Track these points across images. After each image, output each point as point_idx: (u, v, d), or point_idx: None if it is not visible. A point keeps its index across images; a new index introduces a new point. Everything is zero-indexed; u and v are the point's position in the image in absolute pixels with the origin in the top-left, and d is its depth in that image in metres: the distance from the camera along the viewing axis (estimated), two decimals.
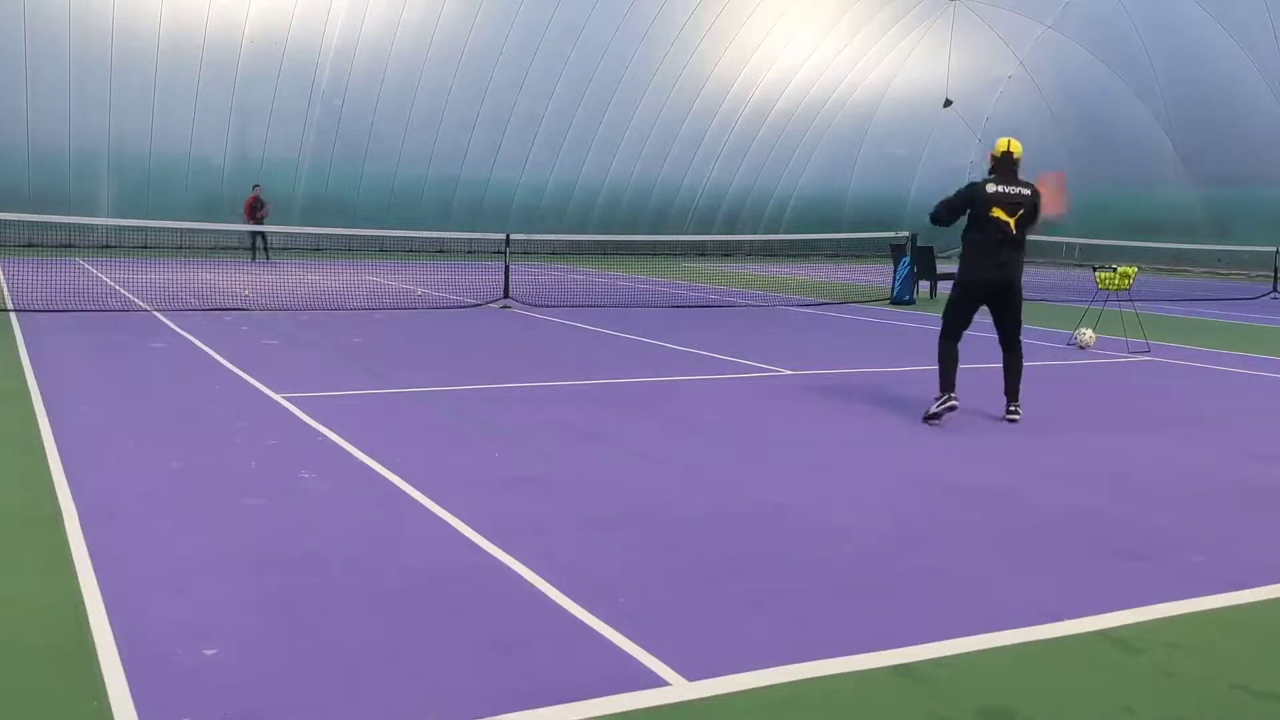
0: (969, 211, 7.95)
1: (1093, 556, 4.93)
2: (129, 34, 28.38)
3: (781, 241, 38.67)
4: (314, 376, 9.42)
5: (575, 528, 5.15)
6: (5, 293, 15.79)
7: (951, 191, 8.21)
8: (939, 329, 8.30)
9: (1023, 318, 8.27)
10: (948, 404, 7.82)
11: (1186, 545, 5.16)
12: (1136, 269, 13.94)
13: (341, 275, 22.66)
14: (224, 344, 11.19)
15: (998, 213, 7.82)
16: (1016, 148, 7.97)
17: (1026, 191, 7.88)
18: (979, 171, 41.48)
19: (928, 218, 8.16)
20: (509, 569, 4.52)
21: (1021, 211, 7.84)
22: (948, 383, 7.90)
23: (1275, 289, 24.47)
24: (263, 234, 26.47)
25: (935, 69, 36.59)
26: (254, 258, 26.15)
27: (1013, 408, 8.08)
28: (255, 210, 26.32)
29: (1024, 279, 8.19)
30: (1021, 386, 8.25)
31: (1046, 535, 5.26)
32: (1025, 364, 8.33)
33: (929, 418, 7.83)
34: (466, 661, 3.60)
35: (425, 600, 4.15)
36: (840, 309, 17.92)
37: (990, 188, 7.87)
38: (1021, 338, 8.29)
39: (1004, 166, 7.95)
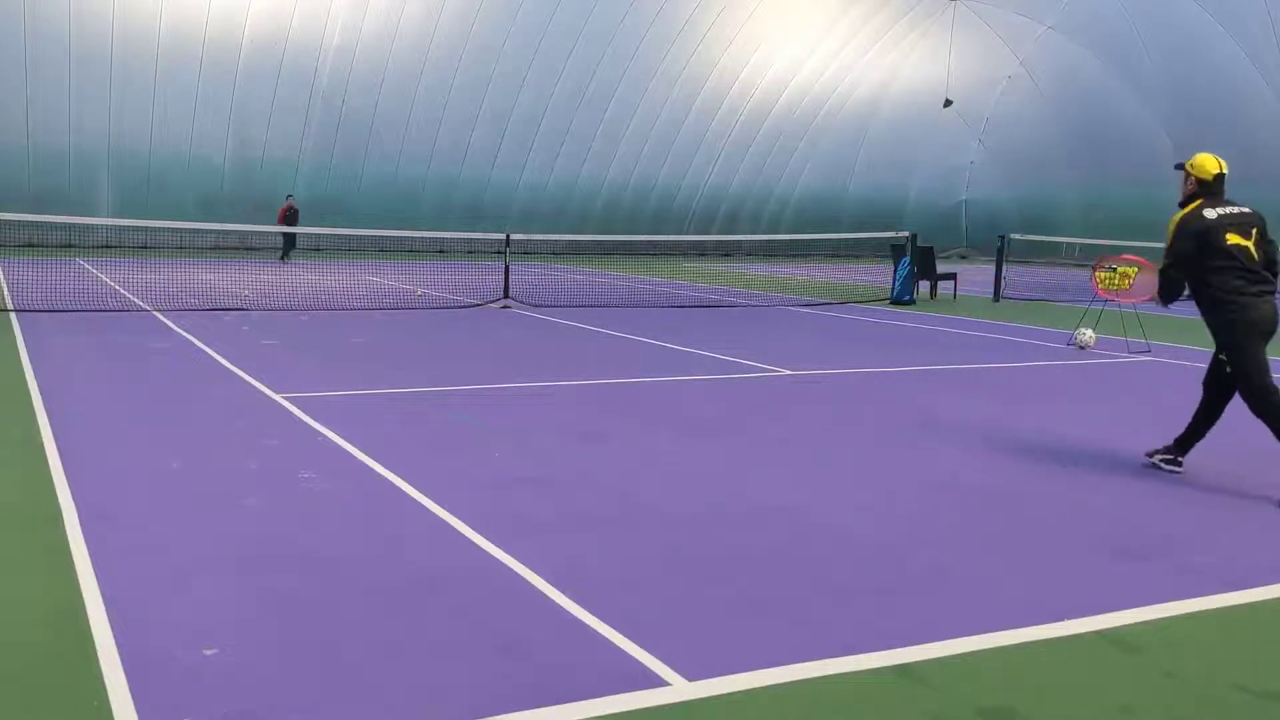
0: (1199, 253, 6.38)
1: (1093, 556, 4.93)
2: (129, 34, 28.38)
3: (781, 241, 38.66)
4: (314, 376, 9.42)
5: (575, 528, 5.15)
6: (5, 293, 15.79)
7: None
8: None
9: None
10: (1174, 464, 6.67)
11: (1186, 545, 5.16)
12: (1137, 269, 13.95)
13: (341, 275, 22.66)
14: (224, 344, 11.19)
15: (1235, 239, 6.34)
16: (1226, 166, 6.59)
17: (1248, 209, 6.49)
18: (979, 171, 41.70)
19: (1162, 295, 6.66)
20: (509, 569, 4.52)
21: (1256, 231, 6.42)
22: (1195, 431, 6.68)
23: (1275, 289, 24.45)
24: (290, 237, 27.31)
25: (935, 69, 36.60)
26: (284, 258, 27.24)
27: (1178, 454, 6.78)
28: (289, 218, 27.53)
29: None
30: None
31: (1047, 535, 5.26)
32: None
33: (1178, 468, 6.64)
34: (466, 661, 3.60)
35: (425, 600, 4.15)
36: (840, 309, 17.92)
37: (1215, 213, 6.38)
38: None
39: (1216, 188, 6.54)
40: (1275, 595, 4.50)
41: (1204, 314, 6.52)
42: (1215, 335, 6.50)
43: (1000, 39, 36.51)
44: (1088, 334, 13.09)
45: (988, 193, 40.74)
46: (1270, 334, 6.42)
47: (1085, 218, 34.68)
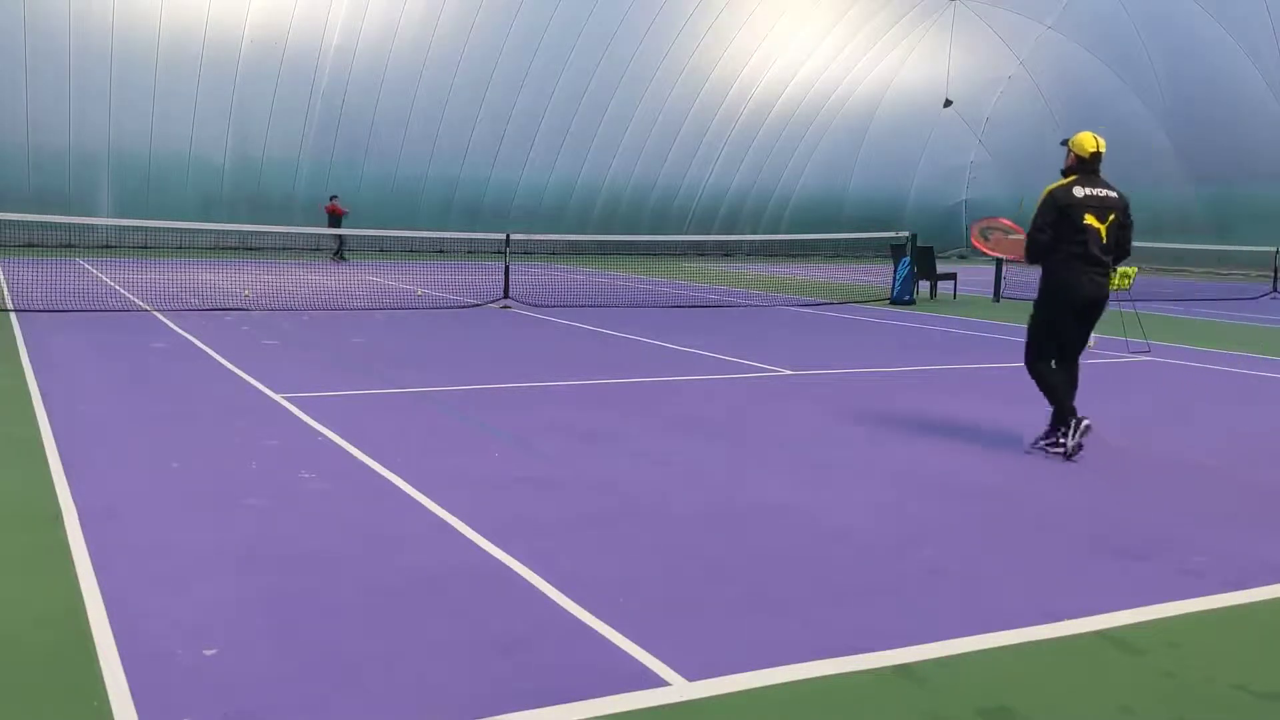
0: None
1: (1093, 556, 4.93)
2: (129, 34, 28.39)
3: (781, 241, 38.67)
4: (314, 376, 9.42)
5: (575, 528, 5.15)
6: (5, 293, 15.79)
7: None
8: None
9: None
10: (1080, 429, 6.82)
11: (1186, 545, 5.15)
12: (1136, 269, 13.95)
13: (341, 275, 22.66)
14: (224, 344, 11.19)
15: (1090, 219, 6.85)
16: (1104, 145, 7.04)
17: (1114, 194, 6.95)
18: (979, 171, 41.70)
19: (1028, 256, 7.13)
20: (509, 569, 4.52)
21: (1113, 216, 6.93)
22: (1063, 408, 6.93)
23: (1275, 289, 24.47)
24: (340, 236, 28.03)
25: (935, 69, 36.61)
26: (342, 258, 28.13)
27: (1084, 418, 6.95)
28: (336, 216, 28.45)
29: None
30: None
31: (1047, 535, 5.26)
32: (1025, 364, 8.28)
33: (1069, 454, 6.80)
34: (466, 661, 3.60)
35: (425, 600, 4.15)
36: (840, 309, 17.92)
37: (1079, 191, 6.87)
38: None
39: (1091, 166, 7.00)
40: (1275, 595, 4.50)
41: (1041, 275, 7.12)
42: (1037, 297, 7.15)
43: (1000, 39, 36.52)
44: None
45: (988, 193, 40.73)
46: (1084, 311, 7.01)
47: None
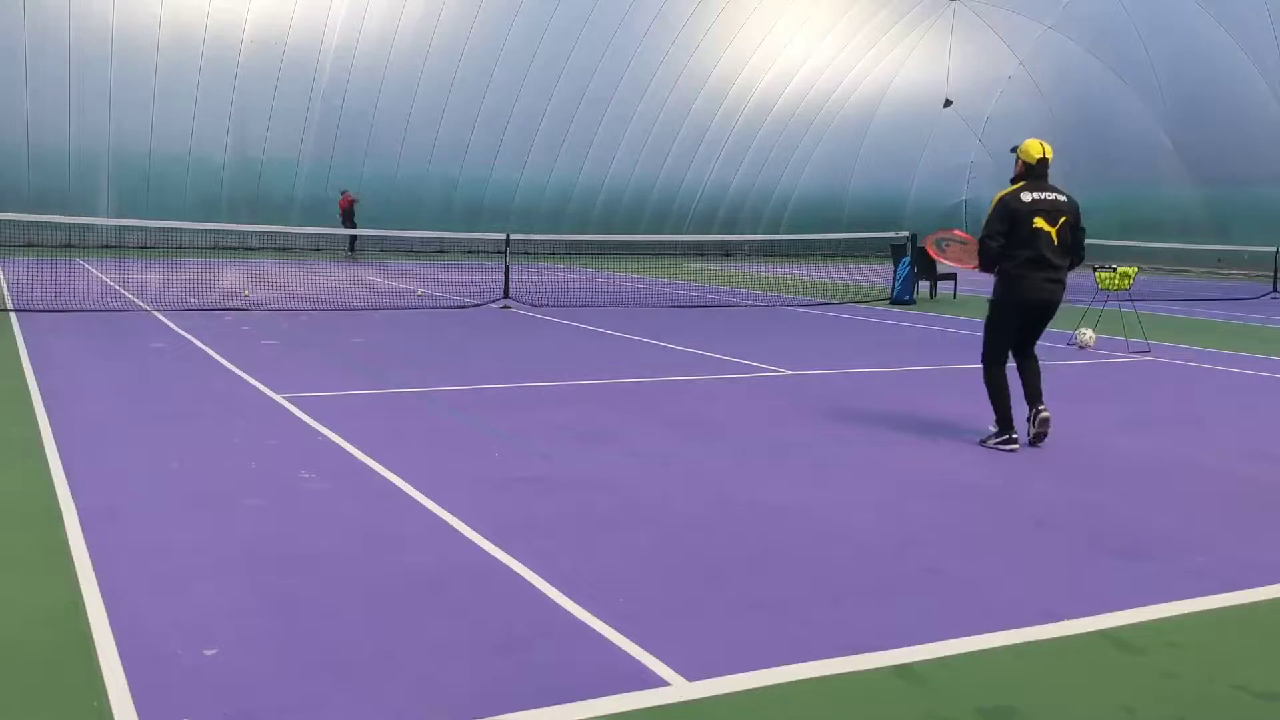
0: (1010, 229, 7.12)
1: (1093, 556, 4.93)
2: (129, 34, 28.37)
3: (781, 241, 38.65)
4: (314, 376, 9.42)
5: (575, 528, 5.15)
6: (5, 293, 15.79)
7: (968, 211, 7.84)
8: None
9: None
10: (1008, 443, 7.11)
11: (1186, 545, 5.16)
12: (1136, 269, 13.95)
13: (341, 275, 22.67)
14: (224, 344, 11.19)
15: (1040, 223, 7.06)
16: (1050, 151, 7.30)
17: (1064, 198, 7.18)
18: (979, 171, 41.68)
19: (980, 264, 7.34)
20: (509, 569, 4.52)
21: (1064, 219, 7.13)
22: (1005, 418, 7.16)
23: (1275, 289, 24.46)
24: (352, 236, 28.29)
25: (935, 69, 36.59)
26: (353, 257, 28.46)
27: (1041, 408, 7.24)
28: (349, 212, 28.77)
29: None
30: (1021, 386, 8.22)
31: (1046, 535, 5.26)
32: (982, 366, 8.23)
33: (984, 443, 7.19)
34: (466, 661, 3.60)
35: (425, 600, 4.15)
36: (840, 309, 17.92)
37: (1026, 196, 7.10)
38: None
39: (1038, 172, 7.22)
40: (1275, 595, 4.50)
41: (995, 280, 7.30)
42: (991, 299, 7.37)
43: (1000, 39, 36.50)
44: (1087, 334, 13.09)
45: (988, 193, 40.61)
46: (1039, 313, 7.22)
47: (1085, 218, 34.53)
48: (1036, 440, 7.18)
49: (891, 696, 3.45)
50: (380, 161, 32.74)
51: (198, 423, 7.34)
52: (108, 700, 3.25)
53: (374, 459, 6.34)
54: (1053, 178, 7.36)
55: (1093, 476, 6.52)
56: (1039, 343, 7.54)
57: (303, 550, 4.70)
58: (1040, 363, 7.48)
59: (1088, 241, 7.67)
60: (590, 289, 20.34)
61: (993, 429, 7.26)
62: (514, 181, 34.73)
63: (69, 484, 5.63)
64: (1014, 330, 7.30)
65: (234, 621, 3.88)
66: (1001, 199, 7.16)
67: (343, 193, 29.33)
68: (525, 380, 9.58)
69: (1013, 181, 7.34)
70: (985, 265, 7.29)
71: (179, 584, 4.25)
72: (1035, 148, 7.27)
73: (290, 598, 4.13)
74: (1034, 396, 7.29)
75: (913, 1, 35.45)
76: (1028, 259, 7.07)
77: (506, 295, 16.72)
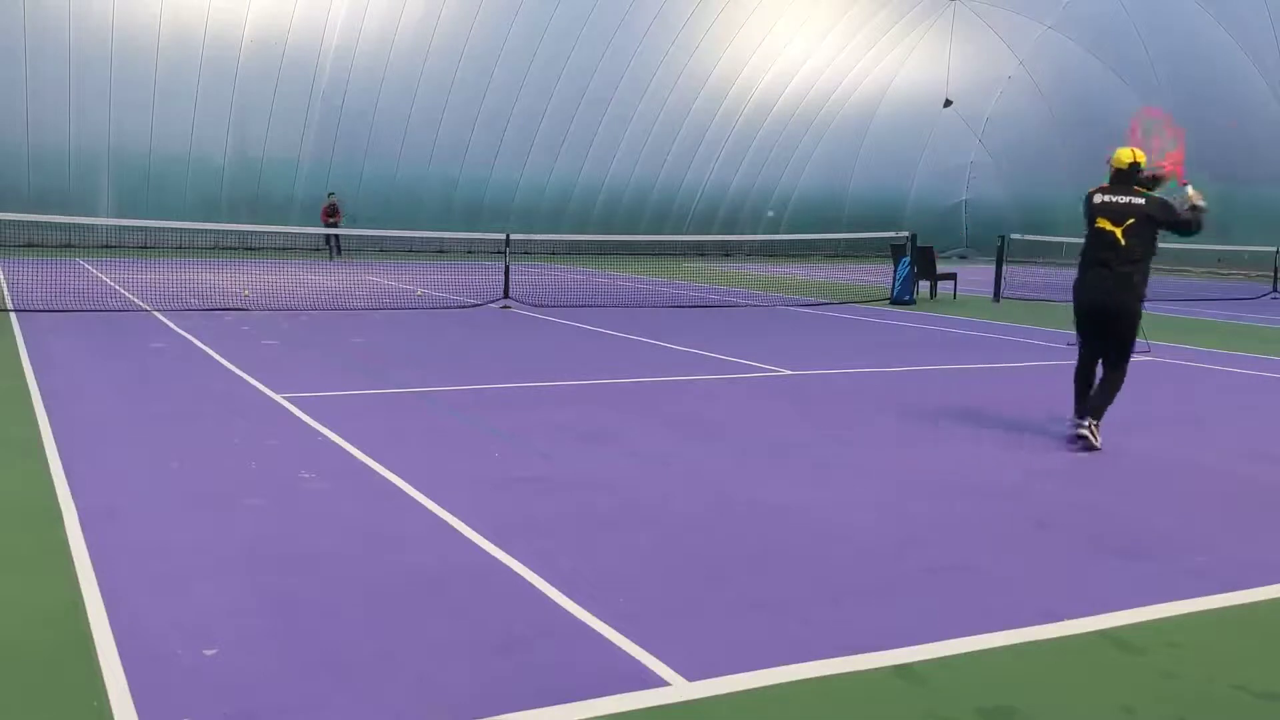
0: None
1: (1093, 556, 4.93)
2: (129, 34, 28.36)
3: (781, 241, 38.65)
4: (314, 376, 9.42)
5: (575, 528, 5.15)
6: (5, 293, 15.79)
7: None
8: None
9: (1123, 336, 7.42)
10: (1080, 428, 7.22)
11: (1186, 545, 5.16)
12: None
13: (341, 275, 22.67)
14: (224, 344, 11.19)
15: (1103, 223, 7.24)
16: (1142, 157, 7.41)
17: (1140, 201, 7.19)
18: (979, 171, 41.68)
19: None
20: (509, 569, 4.52)
21: (1132, 220, 7.16)
22: (1077, 404, 7.43)
23: (1275, 289, 24.46)
24: (335, 236, 27.96)
25: (935, 69, 36.58)
26: (331, 258, 28.02)
27: (1085, 423, 7.19)
28: (330, 215, 28.24)
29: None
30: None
31: (1047, 535, 5.26)
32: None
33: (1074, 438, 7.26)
34: (466, 661, 3.60)
35: (425, 600, 4.15)
36: (840, 309, 17.92)
37: (1098, 197, 7.33)
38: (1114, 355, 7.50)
39: (1120, 177, 7.35)
40: (1275, 595, 4.50)
41: None
42: None
43: (1000, 39, 36.50)
44: None
45: (988, 193, 40.71)
46: (1092, 317, 7.36)
47: (1085, 217, 34.64)
48: (1075, 443, 7.24)
49: (891, 696, 3.45)
50: (380, 161, 32.74)
51: (198, 423, 7.34)
52: (108, 700, 3.25)
53: (374, 459, 6.34)
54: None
55: (1093, 476, 6.52)
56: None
57: (303, 550, 4.70)
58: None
59: None
60: (590, 289, 20.34)
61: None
62: (514, 181, 34.73)
63: (69, 484, 5.63)
64: (1083, 331, 7.52)
65: (234, 621, 3.88)
66: (1087, 195, 7.47)
67: (330, 195, 29.07)
68: (525, 380, 9.58)
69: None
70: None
71: (179, 584, 4.25)
72: (1124, 154, 7.42)
73: (290, 598, 4.13)
74: (1087, 408, 7.29)
75: (913, 1, 35.45)
76: (1086, 259, 7.37)
77: (506, 295, 16.72)
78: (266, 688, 3.38)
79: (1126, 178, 7.34)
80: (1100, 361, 7.42)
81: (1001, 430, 7.86)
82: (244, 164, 31.20)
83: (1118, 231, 7.17)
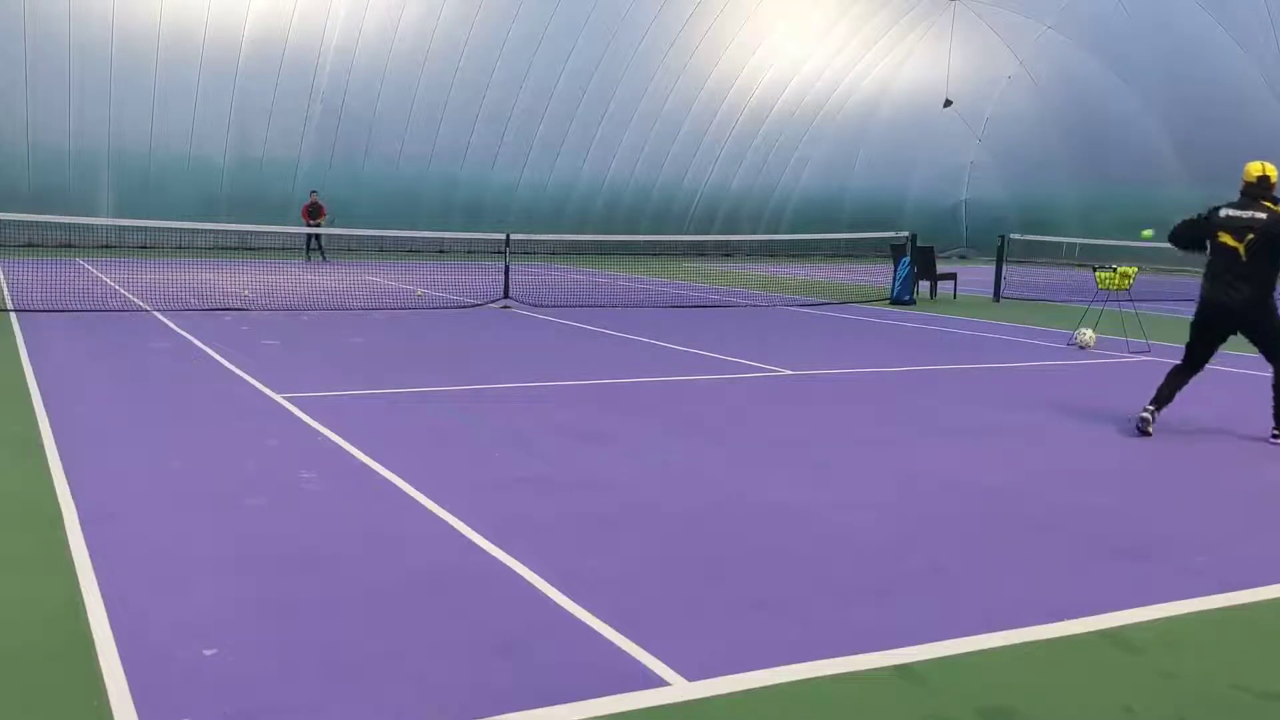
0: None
1: (1093, 556, 4.93)
2: (129, 34, 28.36)
3: (781, 241, 38.65)
4: (314, 376, 9.42)
5: (575, 528, 5.15)
6: (5, 293, 15.79)
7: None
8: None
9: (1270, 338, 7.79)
10: (1144, 413, 7.74)
11: (1186, 545, 5.16)
12: (1137, 269, 13.95)
13: (341, 275, 22.67)
14: (224, 344, 11.19)
15: (1225, 239, 7.55)
16: (1273, 171, 7.59)
17: (1262, 216, 7.43)
18: (979, 171, 41.68)
19: (1171, 241, 8.19)
20: (509, 569, 4.52)
21: (1251, 236, 7.43)
22: (1157, 395, 7.87)
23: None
24: (318, 236, 27.40)
25: (935, 69, 36.59)
26: (309, 258, 27.53)
27: (1151, 408, 7.81)
28: (313, 214, 27.64)
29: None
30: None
31: (1047, 535, 5.26)
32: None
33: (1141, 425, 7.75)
34: (466, 661, 3.60)
35: (425, 600, 4.15)
36: (840, 309, 17.92)
37: (1222, 212, 7.64)
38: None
39: (1247, 191, 7.61)
40: (1275, 595, 4.50)
41: None
42: None
43: (1000, 39, 36.50)
44: (1088, 334, 13.09)
45: (988, 193, 40.71)
46: (1213, 327, 7.78)
47: (1085, 218, 34.65)
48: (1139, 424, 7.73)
49: (891, 696, 3.45)
50: (380, 161, 32.74)
51: (198, 423, 7.34)
52: (108, 700, 3.25)
53: (374, 459, 6.34)
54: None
55: (1093, 476, 6.52)
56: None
57: (303, 550, 4.70)
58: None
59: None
60: (590, 289, 20.34)
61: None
62: (514, 181, 34.73)
63: (69, 484, 5.63)
64: (1197, 337, 7.91)
65: (234, 621, 3.88)
66: (1211, 209, 7.81)
67: (312, 193, 28.41)
68: (525, 380, 9.58)
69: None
70: (1176, 244, 8.19)
71: (179, 584, 4.25)
72: (1254, 167, 7.63)
73: (290, 598, 4.13)
74: (1159, 395, 7.85)
75: (913, 1, 35.45)
76: (1208, 271, 7.73)
77: (506, 295, 16.72)
78: (266, 688, 3.38)
79: (1255, 191, 7.49)
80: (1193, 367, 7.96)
81: (1000, 430, 7.86)
82: (244, 164, 31.19)
83: (1240, 247, 7.43)
